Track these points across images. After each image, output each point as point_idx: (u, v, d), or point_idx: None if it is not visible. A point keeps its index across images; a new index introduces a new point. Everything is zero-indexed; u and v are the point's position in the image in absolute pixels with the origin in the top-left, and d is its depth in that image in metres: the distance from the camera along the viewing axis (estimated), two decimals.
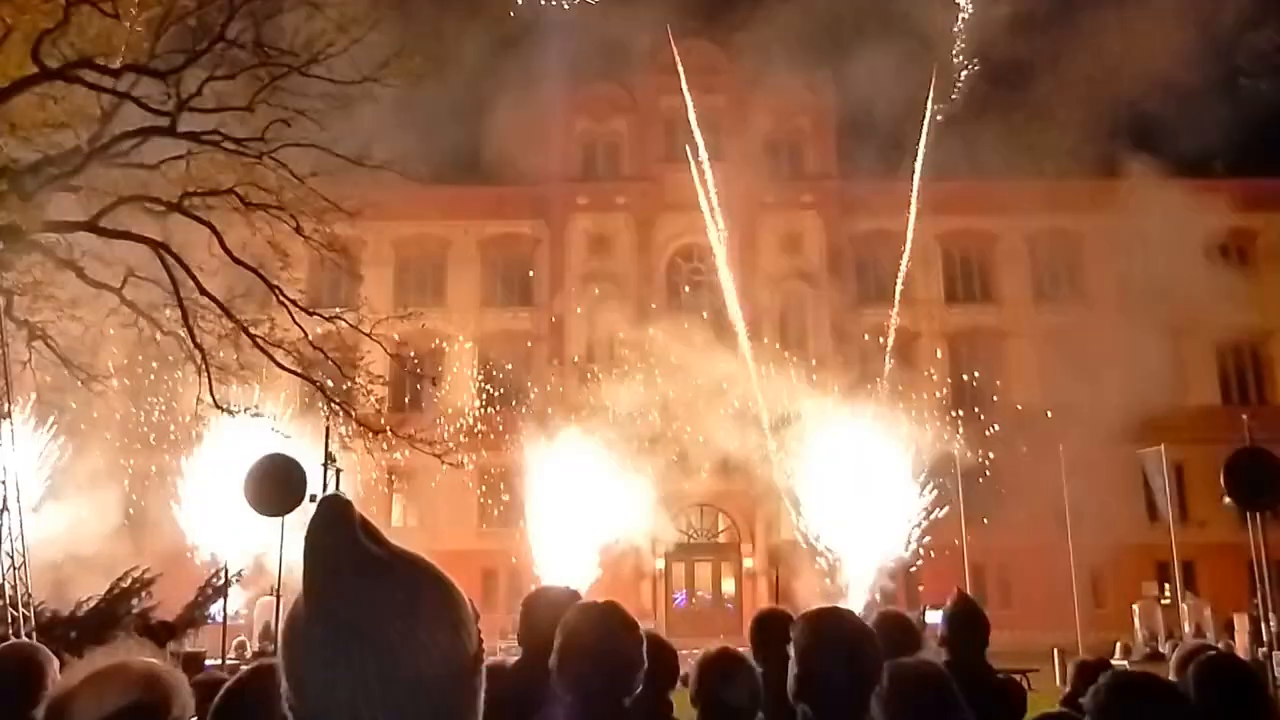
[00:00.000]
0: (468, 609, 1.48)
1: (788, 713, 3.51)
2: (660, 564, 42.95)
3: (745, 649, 4.89)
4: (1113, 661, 25.75)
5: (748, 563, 43.16)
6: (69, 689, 2.23)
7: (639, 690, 3.29)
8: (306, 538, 1.43)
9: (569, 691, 3.21)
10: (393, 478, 41.62)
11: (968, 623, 5.56)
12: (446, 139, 39.53)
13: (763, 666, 4.62)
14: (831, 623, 3.40)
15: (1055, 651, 25.17)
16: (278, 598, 22.78)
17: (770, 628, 5.19)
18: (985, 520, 39.00)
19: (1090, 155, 42.01)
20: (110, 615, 22.20)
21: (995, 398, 43.03)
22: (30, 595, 20.56)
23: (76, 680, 2.25)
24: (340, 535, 1.43)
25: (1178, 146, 41.48)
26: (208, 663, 23.23)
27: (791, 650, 3.40)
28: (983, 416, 40.52)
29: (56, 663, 3.31)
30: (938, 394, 40.46)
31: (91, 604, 22.53)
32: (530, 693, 3.46)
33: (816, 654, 3.29)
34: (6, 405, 21.09)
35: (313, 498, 22.41)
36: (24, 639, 16.79)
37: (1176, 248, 44.96)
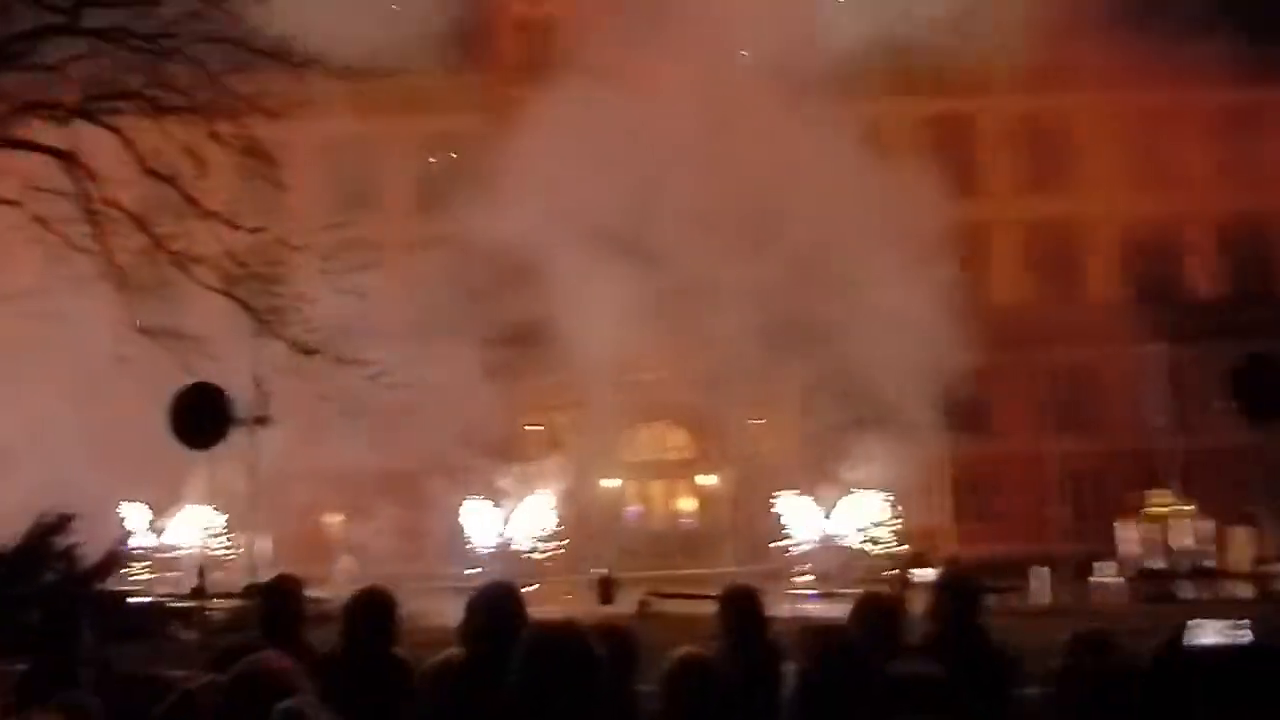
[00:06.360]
0: None
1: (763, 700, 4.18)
2: (613, 483, 42.73)
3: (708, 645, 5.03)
4: (1096, 579, 25.71)
5: (708, 480, 42.97)
6: None
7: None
8: None
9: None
10: None
11: (959, 593, 5.67)
12: (375, 27, 37.99)
13: (732, 651, 5.23)
14: (829, 643, 3.90)
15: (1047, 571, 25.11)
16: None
17: (740, 608, 5.53)
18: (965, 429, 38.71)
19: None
20: (35, 555, 21.73)
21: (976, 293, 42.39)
22: None
23: None
24: None
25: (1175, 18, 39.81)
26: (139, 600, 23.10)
27: (792, 669, 3.94)
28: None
29: None
30: None
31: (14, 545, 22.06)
32: (477, 695, 3.85)
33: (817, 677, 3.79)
34: None
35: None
36: None
37: (1174, 125, 43.71)
